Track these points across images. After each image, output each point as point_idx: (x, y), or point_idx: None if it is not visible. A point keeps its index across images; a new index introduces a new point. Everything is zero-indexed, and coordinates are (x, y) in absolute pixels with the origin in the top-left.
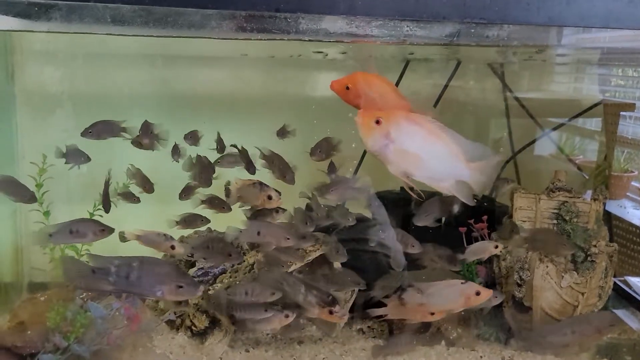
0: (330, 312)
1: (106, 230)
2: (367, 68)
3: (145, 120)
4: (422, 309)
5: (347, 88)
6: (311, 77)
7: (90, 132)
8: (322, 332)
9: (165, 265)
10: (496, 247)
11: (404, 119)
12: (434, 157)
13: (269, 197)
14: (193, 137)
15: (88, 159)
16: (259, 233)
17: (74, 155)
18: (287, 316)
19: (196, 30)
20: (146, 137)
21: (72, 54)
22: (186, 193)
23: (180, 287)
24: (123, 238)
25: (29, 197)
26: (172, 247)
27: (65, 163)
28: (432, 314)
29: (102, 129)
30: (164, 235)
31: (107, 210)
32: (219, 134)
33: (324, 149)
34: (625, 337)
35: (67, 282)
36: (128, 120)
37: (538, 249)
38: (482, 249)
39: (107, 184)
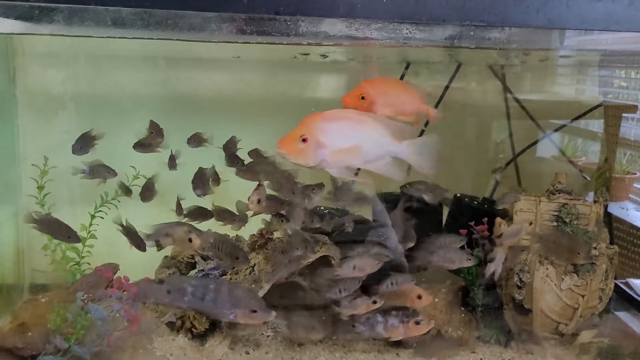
0: (417, 323)
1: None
2: (369, 71)
3: (152, 120)
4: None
5: (363, 98)
6: (312, 79)
7: (80, 148)
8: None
9: (240, 289)
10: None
11: (325, 121)
12: (367, 142)
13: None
14: (196, 140)
15: (115, 174)
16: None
17: (99, 171)
18: (374, 302)
19: (196, 32)
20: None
21: (73, 56)
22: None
23: (254, 311)
24: (160, 246)
25: (71, 237)
26: (190, 240)
27: (92, 178)
28: (420, 297)
29: (86, 142)
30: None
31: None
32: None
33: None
34: (626, 339)
35: (142, 301)
36: (132, 121)
37: (550, 252)
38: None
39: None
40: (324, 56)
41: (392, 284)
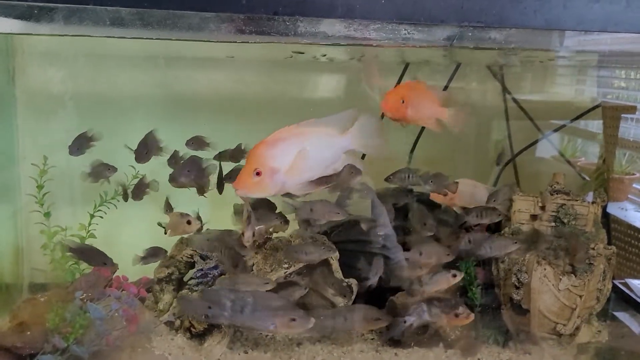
0: (457, 315)
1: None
2: (370, 71)
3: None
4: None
5: (403, 102)
6: (310, 79)
7: (77, 149)
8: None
9: (278, 299)
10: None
11: (269, 146)
12: (316, 149)
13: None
14: (196, 143)
15: (114, 170)
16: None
17: (100, 171)
18: (454, 276)
19: (195, 32)
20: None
21: (72, 55)
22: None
23: (293, 320)
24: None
25: (107, 263)
26: (188, 222)
27: (93, 181)
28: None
29: (83, 143)
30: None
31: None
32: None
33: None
34: (625, 339)
35: (184, 317)
36: (131, 120)
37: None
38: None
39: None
40: (324, 55)
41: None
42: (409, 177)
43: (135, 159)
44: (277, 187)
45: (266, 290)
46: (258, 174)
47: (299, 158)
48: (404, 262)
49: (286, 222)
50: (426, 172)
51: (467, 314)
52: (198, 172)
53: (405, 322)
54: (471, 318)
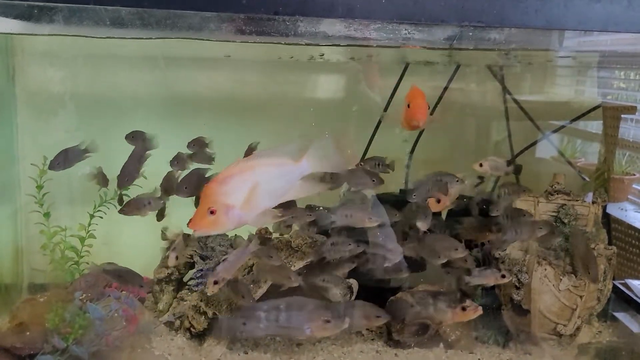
0: (464, 309)
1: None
2: (370, 72)
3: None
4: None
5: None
6: (310, 80)
7: (58, 164)
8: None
9: (310, 303)
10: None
11: (221, 183)
12: (269, 180)
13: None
14: (197, 145)
15: (85, 152)
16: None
17: (73, 156)
18: (503, 276)
19: (195, 32)
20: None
21: (72, 55)
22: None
23: (328, 321)
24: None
25: (143, 286)
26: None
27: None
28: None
29: (67, 158)
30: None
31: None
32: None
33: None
34: (625, 340)
35: (221, 337)
36: (131, 120)
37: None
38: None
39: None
40: (321, 55)
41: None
42: (378, 165)
43: (118, 185)
44: (235, 223)
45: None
46: (212, 212)
47: (251, 194)
48: (404, 263)
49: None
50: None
51: (474, 308)
52: (198, 185)
53: (412, 306)
54: (479, 312)
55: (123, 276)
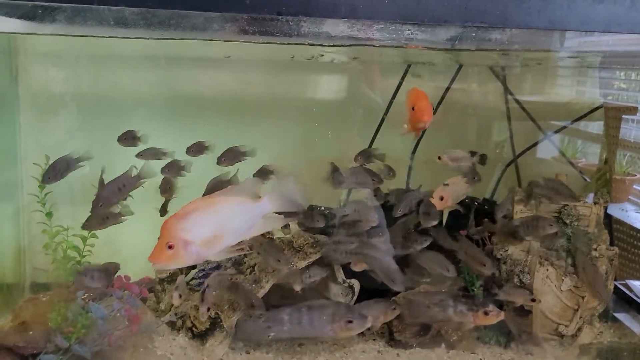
0: (486, 313)
1: None
2: (372, 72)
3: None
4: None
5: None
6: (312, 80)
7: (49, 178)
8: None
9: (331, 305)
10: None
11: (181, 219)
12: (230, 218)
13: None
14: (196, 149)
15: (79, 160)
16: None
17: (66, 166)
18: (533, 300)
19: (199, 32)
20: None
21: (75, 55)
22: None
23: (350, 322)
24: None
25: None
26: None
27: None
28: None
29: (60, 170)
30: None
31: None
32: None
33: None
34: (626, 340)
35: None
36: (133, 119)
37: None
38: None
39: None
40: (321, 55)
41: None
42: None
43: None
44: (193, 259)
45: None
46: (170, 247)
47: (219, 236)
48: (394, 265)
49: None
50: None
51: (497, 312)
52: None
53: (429, 307)
54: (502, 316)
55: (94, 277)
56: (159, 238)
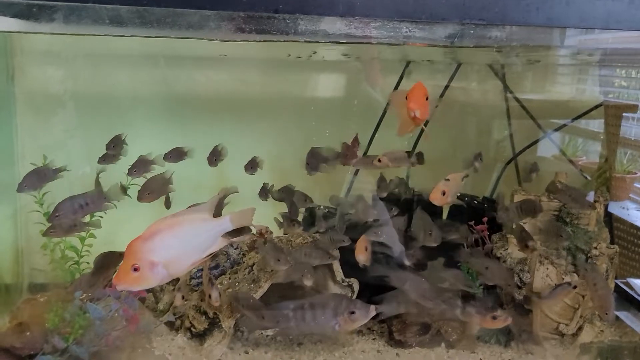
0: (494, 318)
1: None
2: (372, 70)
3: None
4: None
5: (427, 99)
6: (310, 79)
7: (25, 186)
8: (321, 334)
9: (333, 298)
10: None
11: (145, 241)
12: (193, 237)
13: None
14: (174, 155)
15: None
16: None
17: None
18: (575, 287)
19: (195, 31)
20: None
21: (72, 54)
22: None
23: (353, 312)
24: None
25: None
26: None
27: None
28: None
29: (36, 179)
30: None
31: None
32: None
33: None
34: (627, 339)
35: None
36: (131, 119)
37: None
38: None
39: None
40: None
41: None
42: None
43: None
44: (159, 279)
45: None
46: (136, 269)
47: (183, 254)
48: (406, 261)
49: (298, 223)
50: None
51: (505, 317)
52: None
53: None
54: (509, 321)
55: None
56: (123, 259)
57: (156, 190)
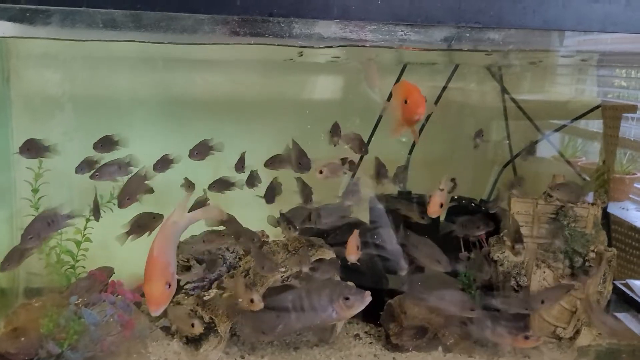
0: (526, 338)
1: None
2: (369, 72)
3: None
4: None
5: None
6: (307, 81)
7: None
8: (318, 338)
9: (327, 285)
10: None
11: (161, 256)
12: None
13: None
14: (105, 145)
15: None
16: None
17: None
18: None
19: (189, 35)
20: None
21: (67, 58)
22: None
23: (347, 299)
24: None
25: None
26: None
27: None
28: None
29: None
30: None
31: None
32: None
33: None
34: (626, 342)
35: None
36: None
37: None
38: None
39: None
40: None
41: None
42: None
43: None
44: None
45: None
46: (170, 285)
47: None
48: (404, 264)
49: (295, 228)
50: None
51: (536, 338)
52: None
53: (465, 324)
54: (540, 341)
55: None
56: (147, 283)
57: (134, 192)
